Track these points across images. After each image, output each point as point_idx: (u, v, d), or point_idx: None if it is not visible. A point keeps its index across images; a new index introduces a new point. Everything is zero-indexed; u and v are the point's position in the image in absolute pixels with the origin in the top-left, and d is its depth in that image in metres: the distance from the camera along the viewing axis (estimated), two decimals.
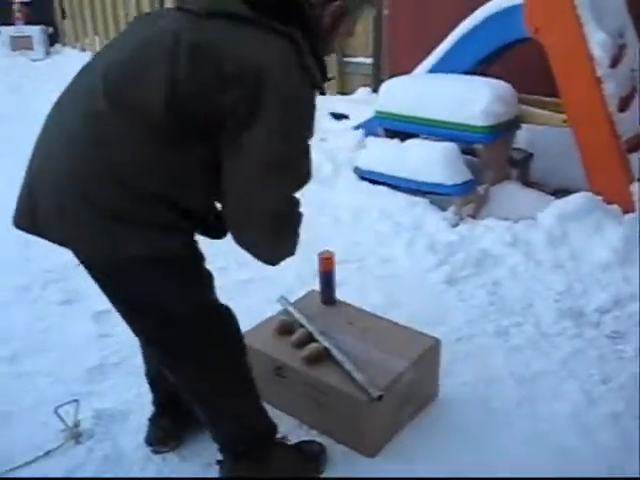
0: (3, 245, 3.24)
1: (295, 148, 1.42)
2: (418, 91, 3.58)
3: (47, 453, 1.93)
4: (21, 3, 7.96)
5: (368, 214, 3.50)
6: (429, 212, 3.36)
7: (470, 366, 2.30)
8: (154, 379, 1.92)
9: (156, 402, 1.96)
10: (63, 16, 7.98)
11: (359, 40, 5.33)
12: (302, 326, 2.16)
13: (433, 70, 3.87)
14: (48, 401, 2.09)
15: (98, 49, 7.44)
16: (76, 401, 2.04)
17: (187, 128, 1.35)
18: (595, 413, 2.04)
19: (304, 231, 3.53)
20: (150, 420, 1.96)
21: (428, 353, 2.07)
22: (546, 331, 2.47)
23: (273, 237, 1.49)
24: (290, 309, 2.27)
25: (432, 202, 3.42)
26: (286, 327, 2.18)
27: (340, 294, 2.65)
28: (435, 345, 2.10)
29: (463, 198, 3.35)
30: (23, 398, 2.17)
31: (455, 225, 3.27)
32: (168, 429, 1.94)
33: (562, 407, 2.08)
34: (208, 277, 1.61)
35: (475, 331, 2.50)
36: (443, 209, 3.37)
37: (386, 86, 3.77)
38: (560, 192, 3.44)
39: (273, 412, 2.08)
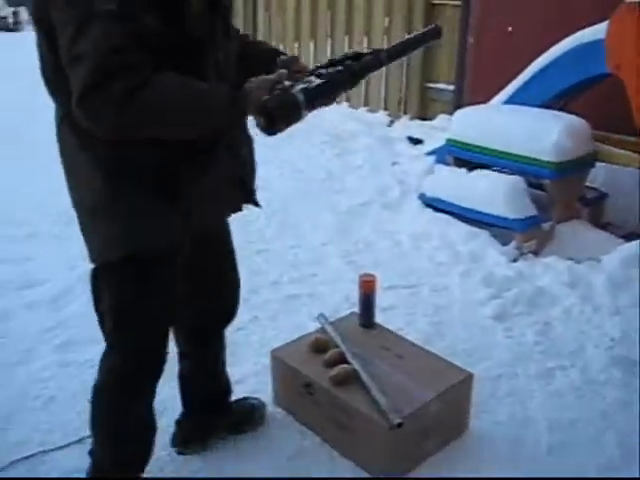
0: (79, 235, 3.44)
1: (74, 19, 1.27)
2: (490, 122, 3.54)
3: (80, 440, 2.02)
4: None
5: (428, 241, 3.47)
6: (489, 245, 3.31)
7: (506, 405, 2.24)
8: (184, 381, 1.99)
9: (184, 404, 2.03)
10: None
11: (442, 67, 5.34)
12: (337, 346, 2.18)
13: (510, 101, 3.81)
14: (89, 391, 2.19)
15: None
16: None
17: None
18: (629, 470, 1.94)
19: (359, 253, 3.55)
20: (177, 422, 2.02)
21: (458, 387, 2.03)
22: (593, 378, 2.37)
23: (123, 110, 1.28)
24: (327, 328, 2.29)
25: (493, 235, 3.36)
26: (320, 345, 2.20)
27: (387, 318, 2.66)
28: (467, 379, 2.06)
29: (525, 233, 3.27)
30: (67, 385, 2.29)
31: (514, 260, 3.20)
32: (191, 432, 2.00)
33: (596, 459, 1.99)
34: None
35: (518, 370, 2.43)
36: (504, 243, 3.31)
37: (459, 115, 3.75)
38: (633, 235, 3.30)
39: (299, 428, 2.12)
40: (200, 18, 1.43)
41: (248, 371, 2.40)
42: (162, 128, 1.35)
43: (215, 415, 2.04)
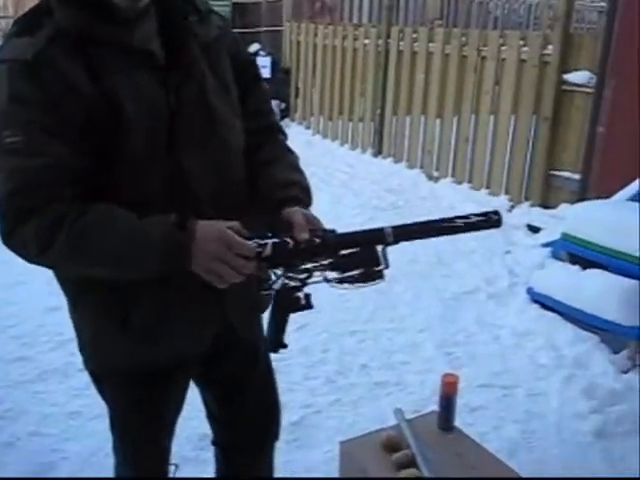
0: None
1: None
2: (608, 219, 3.33)
3: None
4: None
5: (531, 340, 3.29)
6: (597, 351, 3.06)
7: None
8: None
9: None
10: (296, 95, 8.72)
11: (569, 155, 5.14)
12: (409, 446, 2.07)
13: (636, 198, 3.57)
14: None
15: (320, 128, 8.10)
16: None
17: None
18: None
19: (456, 344, 3.42)
20: None
21: None
22: None
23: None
24: (403, 425, 2.19)
25: (603, 341, 3.11)
26: (391, 444, 2.09)
27: (473, 419, 2.53)
28: None
29: None
30: None
31: (625, 371, 2.94)
32: None
33: None
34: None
35: None
36: (615, 351, 3.06)
37: (575, 209, 3.58)
38: None
39: None
40: (142, 119, 1.22)
41: (318, 458, 2.35)
42: (92, 270, 1.21)
43: None
